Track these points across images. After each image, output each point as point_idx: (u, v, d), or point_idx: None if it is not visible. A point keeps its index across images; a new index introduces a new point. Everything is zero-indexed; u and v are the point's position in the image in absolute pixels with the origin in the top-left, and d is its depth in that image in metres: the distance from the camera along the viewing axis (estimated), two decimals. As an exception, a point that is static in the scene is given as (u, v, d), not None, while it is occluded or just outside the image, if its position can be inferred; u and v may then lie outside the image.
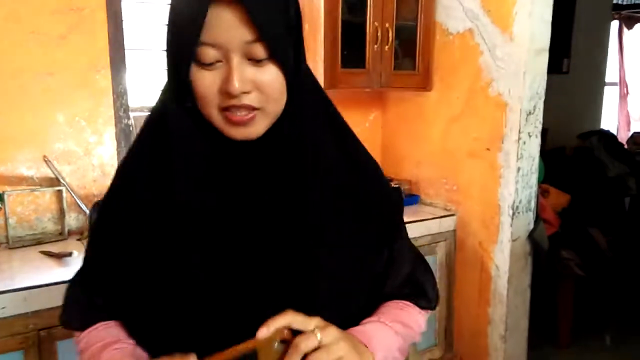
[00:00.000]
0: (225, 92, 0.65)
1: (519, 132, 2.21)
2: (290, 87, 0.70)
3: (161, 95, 0.76)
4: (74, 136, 2.14)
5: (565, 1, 3.86)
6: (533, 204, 2.35)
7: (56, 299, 1.64)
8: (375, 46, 2.36)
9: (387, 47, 2.38)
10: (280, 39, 0.66)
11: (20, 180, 2.06)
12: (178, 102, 0.70)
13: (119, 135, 2.26)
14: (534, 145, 2.29)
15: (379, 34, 2.36)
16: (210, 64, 0.65)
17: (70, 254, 1.83)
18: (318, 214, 0.73)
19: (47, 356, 1.65)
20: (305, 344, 0.61)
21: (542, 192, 2.66)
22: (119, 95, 2.24)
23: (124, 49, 2.23)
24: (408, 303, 0.85)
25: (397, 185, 0.94)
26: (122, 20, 2.22)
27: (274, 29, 0.65)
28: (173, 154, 0.70)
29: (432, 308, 0.88)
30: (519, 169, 2.24)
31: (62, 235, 2.10)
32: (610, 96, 5.45)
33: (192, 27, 0.63)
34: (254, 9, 0.62)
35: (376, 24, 2.35)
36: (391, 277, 0.83)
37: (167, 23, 0.69)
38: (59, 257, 1.82)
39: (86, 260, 0.84)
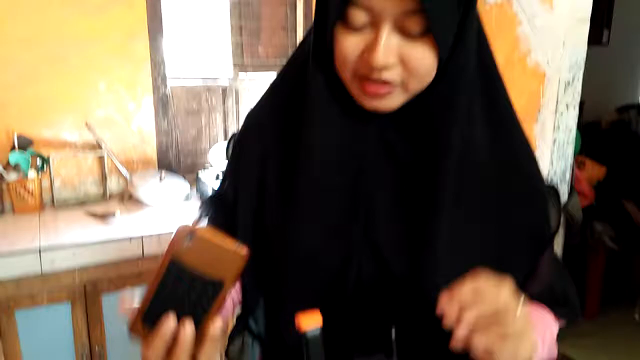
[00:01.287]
0: (367, 61, 0.58)
1: (557, 102, 2.18)
2: (444, 67, 0.61)
3: (303, 46, 0.71)
4: (114, 103, 2.21)
5: (608, -30, 3.71)
6: (568, 176, 2.32)
7: (101, 255, 1.74)
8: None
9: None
10: (444, 13, 0.57)
11: (63, 145, 2.14)
12: (317, 61, 0.65)
13: (156, 104, 2.31)
14: (572, 117, 2.25)
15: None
16: (358, 28, 0.59)
17: (113, 215, 1.91)
18: (446, 216, 0.63)
19: (92, 308, 1.74)
20: (472, 314, 0.51)
21: (577, 164, 2.63)
22: (157, 64, 2.28)
23: (161, 19, 2.27)
24: (546, 310, 0.73)
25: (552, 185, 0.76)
26: (159, -12, 2.25)
27: (440, 1, 0.56)
28: (306, 115, 0.67)
29: (575, 317, 0.75)
30: (555, 140, 2.22)
31: (104, 197, 2.18)
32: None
33: None
34: None
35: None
36: (528, 286, 0.70)
37: None
38: (103, 217, 1.90)
39: (219, 190, 0.81)
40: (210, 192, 0.80)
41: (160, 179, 2.16)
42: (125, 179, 2.21)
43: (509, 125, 0.70)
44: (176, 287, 0.52)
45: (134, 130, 2.27)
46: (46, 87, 2.07)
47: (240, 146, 0.77)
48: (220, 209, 0.77)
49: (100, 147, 2.17)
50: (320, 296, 0.62)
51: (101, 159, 2.19)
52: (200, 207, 0.79)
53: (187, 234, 0.51)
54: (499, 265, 0.61)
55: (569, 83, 2.20)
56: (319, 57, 0.65)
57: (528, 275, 0.70)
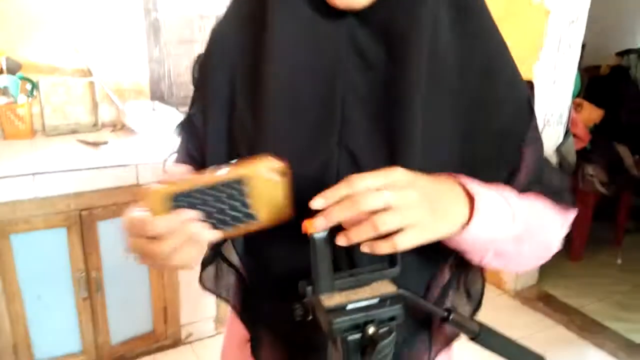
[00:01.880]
0: None
1: (559, 41, 2.14)
2: None
3: None
4: (104, 29, 2.12)
5: None
6: (565, 118, 2.32)
7: (96, 182, 1.73)
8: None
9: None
10: None
11: (53, 70, 2.08)
12: None
13: (148, 29, 2.23)
14: (573, 57, 2.22)
15: None
16: None
17: (106, 143, 1.88)
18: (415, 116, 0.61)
19: (88, 234, 1.76)
20: (365, 201, 0.49)
21: (575, 106, 2.62)
22: (148, -13, 2.19)
23: (153, -63, 2.15)
24: (540, 196, 0.67)
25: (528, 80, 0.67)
26: None
27: None
28: (271, 17, 0.64)
29: (573, 205, 0.70)
30: (554, 81, 2.19)
31: (95, 126, 2.14)
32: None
33: None
34: None
35: None
36: (515, 179, 0.66)
37: None
38: (96, 145, 1.88)
39: (188, 113, 0.78)
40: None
41: (153, 108, 2.12)
42: (117, 107, 2.17)
43: (481, 27, 0.67)
44: (221, 196, 0.54)
45: (125, 57, 2.20)
46: (33, 8, 1.98)
47: (206, 68, 0.73)
48: (191, 132, 0.74)
49: (90, 73, 2.11)
50: (301, 208, 0.59)
51: (92, 86, 2.13)
52: (174, 132, 0.77)
53: (274, 169, 0.55)
54: (471, 167, 0.63)
55: (573, 21, 2.15)
56: None
57: (513, 172, 0.67)
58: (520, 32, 2.26)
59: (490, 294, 2.65)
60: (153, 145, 1.95)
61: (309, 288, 0.54)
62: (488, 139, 0.66)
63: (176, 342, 2.12)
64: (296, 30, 0.63)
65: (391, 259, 0.56)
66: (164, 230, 0.52)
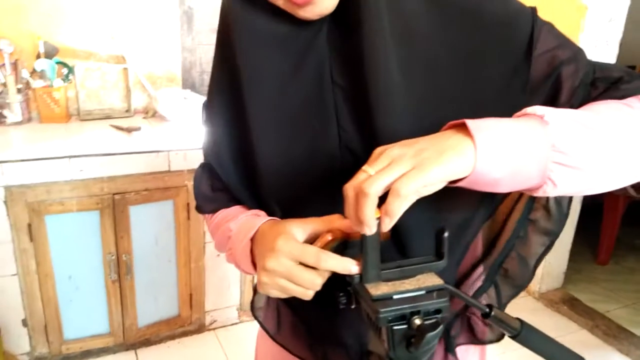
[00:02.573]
0: None
1: (596, 39, 2.09)
2: None
3: None
4: (139, 17, 2.15)
5: None
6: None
7: (129, 167, 1.76)
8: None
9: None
10: None
11: (88, 56, 2.11)
12: None
13: (181, 18, 2.25)
14: (610, 56, 2.17)
15: None
16: None
17: (139, 129, 1.91)
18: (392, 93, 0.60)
19: (120, 218, 1.79)
20: (350, 185, 0.50)
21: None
22: (183, -24, 2.21)
23: None
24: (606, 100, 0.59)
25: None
26: None
27: None
28: (237, 45, 0.64)
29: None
30: (589, 79, 2.15)
31: (128, 112, 2.18)
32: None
33: None
34: None
35: None
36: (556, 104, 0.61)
37: None
38: (129, 131, 1.91)
39: (205, 148, 0.80)
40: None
41: (185, 97, 2.14)
42: (150, 95, 2.19)
43: None
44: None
45: (159, 45, 2.22)
46: (71, -6, 2.02)
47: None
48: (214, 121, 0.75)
49: (125, 60, 2.14)
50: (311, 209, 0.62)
51: (126, 72, 2.16)
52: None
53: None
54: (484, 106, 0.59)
55: (611, 19, 2.10)
56: None
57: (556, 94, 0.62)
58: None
59: (514, 295, 2.62)
60: (184, 133, 1.97)
61: (357, 276, 0.54)
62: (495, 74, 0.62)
63: (200, 328, 2.16)
64: (271, 43, 0.63)
65: (438, 253, 0.56)
66: (329, 267, 0.54)
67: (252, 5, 0.62)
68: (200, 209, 0.79)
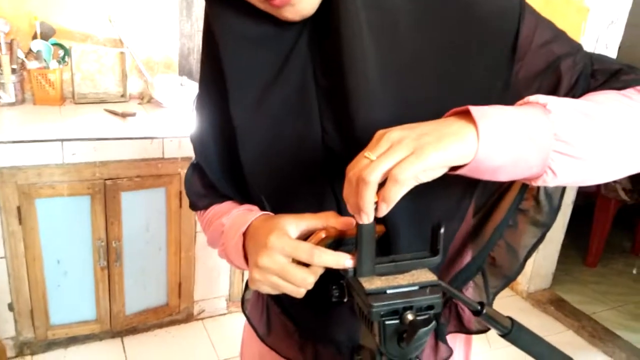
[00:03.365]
0: None
1: (597, 41, 2.09)
2: None
3: None
4: (138, 1, 2.12)
5: None
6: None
7: (122, 153, 1.74)
8: None
9: None
10: None
11: (85, 38, 2.09)
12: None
13: (180, 4, 2.23)
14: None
15: None
16: None
17: (134, 115, 1.89)
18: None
19: (111, 204, 1.77)
20: (352, 172, 0.49)
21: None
22: (183, -39, 2.18)
23: None
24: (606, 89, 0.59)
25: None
26: None
27: None
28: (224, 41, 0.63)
29: None
30: (587, 82, 2.15)
31: (124, 97, 2.15)
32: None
33: None
34: None
35: None
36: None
37: None
38: (124, 116, 1.89)
39: (193, 141, 0.79)
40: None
41: (181, 83, 2.12)
42: (146, 80, 2.17)
43: None
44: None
45: (157, 30, 2.20)
46: (69, -25, 1.99)
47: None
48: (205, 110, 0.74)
49: (122, 44, 2.11)
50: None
51: (123, 57, 2.14)
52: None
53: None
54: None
55: (612, 22, 2.10)
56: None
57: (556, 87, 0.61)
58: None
59: (502, 294, 2.62)
60: (179, 120, 1.96)
61: (351, 270, 0.54)
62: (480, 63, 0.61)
63: (188, 317, 2.15)
64: (254, 44, 0.62)
65: (432, 249, 0.56)
66: (324, 263, 0.54)
67: (233, 7, 0.61)
68: (193, 206, 0.79)
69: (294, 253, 0.55)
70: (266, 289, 0.58)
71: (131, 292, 1.96)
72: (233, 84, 0.64)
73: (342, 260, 0.54)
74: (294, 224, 0.58)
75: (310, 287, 0.56)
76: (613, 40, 2.13)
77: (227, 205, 0.73)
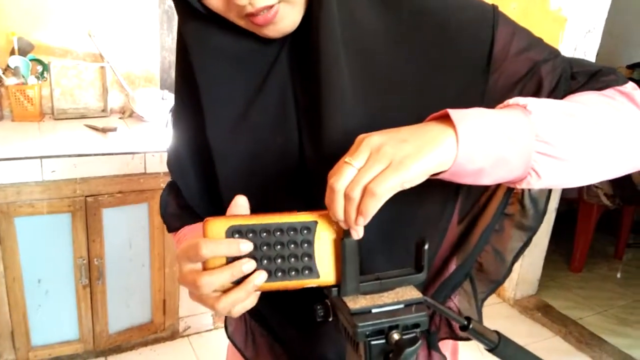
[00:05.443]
0: (235, 5, 0.54)
1: (574, 50, 2.13)
2: None
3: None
4: (118, 15, 2.11)
5: None
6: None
7: (103, 168, 1.72)
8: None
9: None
10: None
11: (65, 53, 2.06)
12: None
13: (161, 17, 2.22)
14: (587, 67, 2.21)
15: None
16: None
17: (115, 129, 1.87)
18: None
19: (92, 221, 1.74)
20: (339, 183, 0.47)
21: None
22: (164, -25, 2.17)
23: None
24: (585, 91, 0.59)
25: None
26: None
27: None
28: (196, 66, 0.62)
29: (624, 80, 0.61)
30: (566, 90, 2.18)
31: (104, 112, 2.13)
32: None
33: None
34: None
35: None
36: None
37: None
38: (104, 131, 1.86)
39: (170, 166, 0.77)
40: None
41: (163, 97, 2.10)
42: (127, 94, 2.15)
43: None
44: (284, 241, 0.52)
45: (138, 45, 2.18)
46: (47, -10, 1.97)
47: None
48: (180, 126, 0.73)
49: (102, 58, 2.09)
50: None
51: (103, 71, 2.12)
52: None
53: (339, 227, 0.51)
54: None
55: (589, 31, 2.14)
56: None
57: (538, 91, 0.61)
58: (535, 40, 2.25)
59: (489, 301, 2.64)
60: (161, 133, 1.93)
61: (335, 289, 0.53)
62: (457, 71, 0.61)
63: (174, 335, 2.12)
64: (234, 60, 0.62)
65: (417, 265, 0.55)
66: (213, 253, 0.49)
67: (210, 23, 0.59)
68: (169, 228, 0.77)
69: (187, 255, 0.50)
70: (202, 304, 0.53)
71: (114, 310, 1.93)
72: (210, 103, 0.63)
73: (235, 246, 0.49)
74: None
75: (207, 291, 0.50)
76: (590, 49, 2.16)
77: (199, 224, 0.72)
